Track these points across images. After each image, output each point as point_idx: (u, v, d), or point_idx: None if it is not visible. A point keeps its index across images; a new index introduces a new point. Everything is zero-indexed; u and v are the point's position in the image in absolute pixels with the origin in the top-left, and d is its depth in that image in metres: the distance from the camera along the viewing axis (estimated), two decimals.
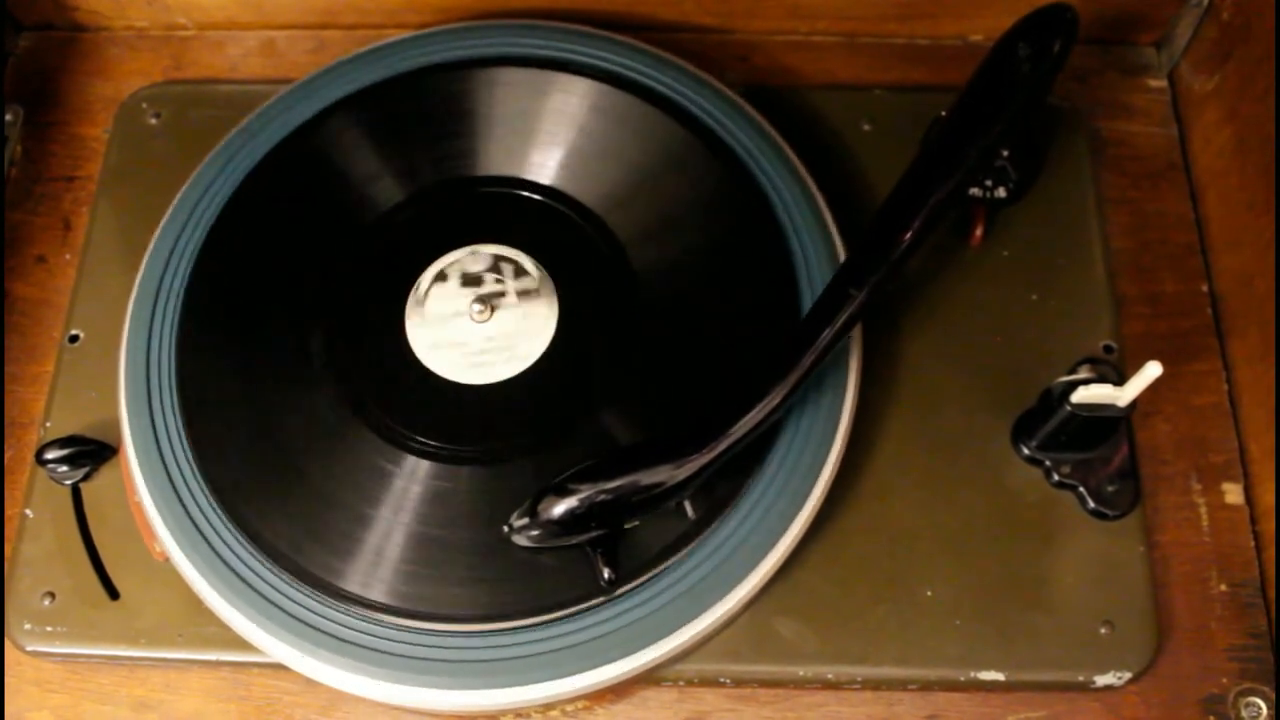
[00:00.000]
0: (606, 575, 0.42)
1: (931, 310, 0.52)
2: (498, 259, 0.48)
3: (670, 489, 0.42)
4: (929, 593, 0.46)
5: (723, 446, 0.42)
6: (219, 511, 0.45)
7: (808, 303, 0.47)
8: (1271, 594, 0.48)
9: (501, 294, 0.48)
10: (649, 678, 0.46)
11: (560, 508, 0.41)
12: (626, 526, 0.43)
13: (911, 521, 0.48)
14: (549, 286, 0.48)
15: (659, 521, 0.44)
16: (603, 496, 0.41)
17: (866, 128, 0.55)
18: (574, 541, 0.42)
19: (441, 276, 0.48)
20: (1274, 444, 0.48)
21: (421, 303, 0.48)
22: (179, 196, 0.52)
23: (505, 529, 0.43)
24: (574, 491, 0.41)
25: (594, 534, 0.42)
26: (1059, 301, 0.51)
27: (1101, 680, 0.45)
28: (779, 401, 0.42)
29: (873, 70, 0.59)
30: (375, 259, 0.50)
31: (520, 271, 0.48)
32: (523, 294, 0.48)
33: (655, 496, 0.42)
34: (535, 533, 0.42)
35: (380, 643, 0.43)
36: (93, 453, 0.49)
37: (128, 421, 0.47)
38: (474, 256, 0.49)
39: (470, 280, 0.48)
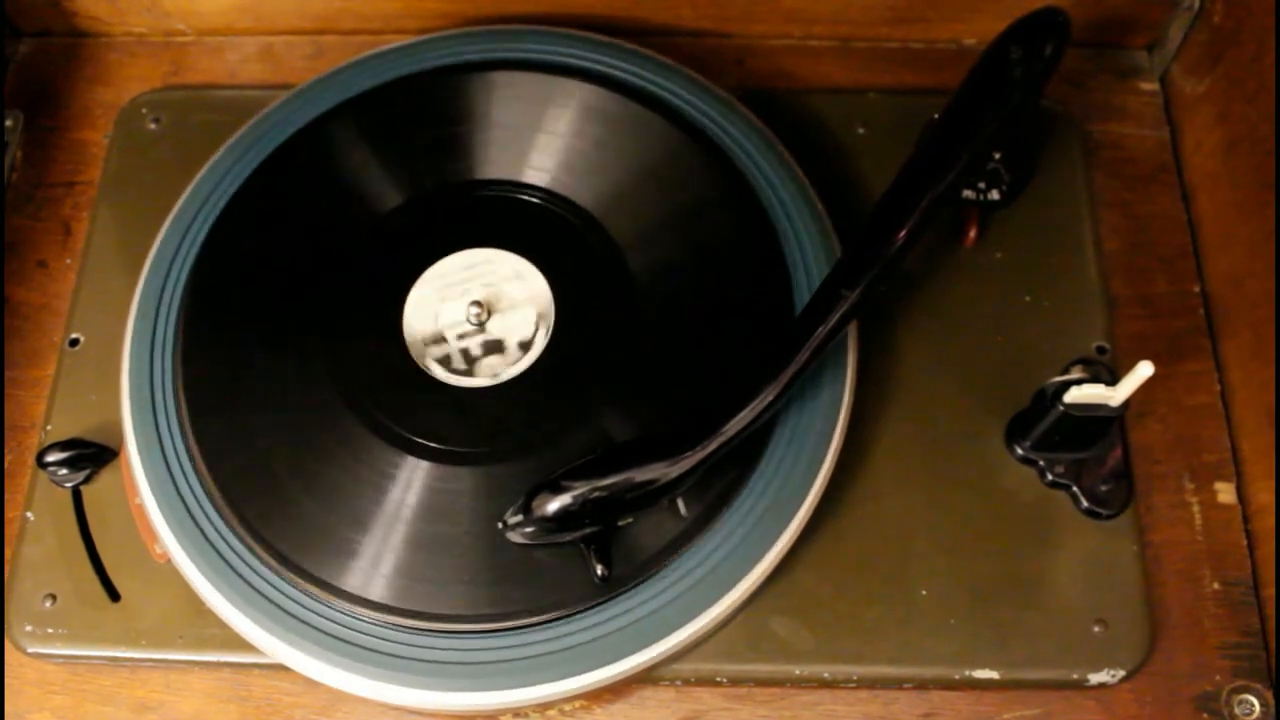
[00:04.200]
0: (600, 572, 0.43)
1: (926, 311, 0.52)
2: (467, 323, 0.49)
3: (664, 486, 0.42)
4: (924, 592, 0.47)
5: (716, 444, 0.42)
6: (220, 512, 0.45)
7: (803, 303, 0.48)
8: (1265, 592, 0.48)
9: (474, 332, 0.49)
10: (646, 677, 0.46)
11: (554, 505, 0.41)
12: (620, 524, 0.43)
13: (906, 521, 0.48)
14: (494, 323, 0.48)
15: (655, 522, 0.44)
16: (596, 494, 0.41)
17: (861, 130, 0.56)
18: (568, 539, 0.43)
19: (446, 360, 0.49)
20: (1268, 442, 0.48)
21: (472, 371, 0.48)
22: (181, 201, 0.52)
23: (499, 526, 0.43)
24: (567, 489, 0.41)
25: (587, 531, 0.43)
26: (1052, 302, 0.52)
27: (1095, 678, 0.46)
28: (772, 399, 0.42)
29: (867, 74, 0.59)
30: (375, 262, 0.50)
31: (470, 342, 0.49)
32: (490, 345, 0.49)
33: (649, 494, 0.42)
34: (529, 529, 0.42)
35: (380, 643, 0.43)
36: (93, 455, 0.49)
37: (131, 423, 0.47)
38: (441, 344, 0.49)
39: (456, 361, 0.49)
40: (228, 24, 0.60)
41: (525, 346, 0.48)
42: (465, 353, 0.48)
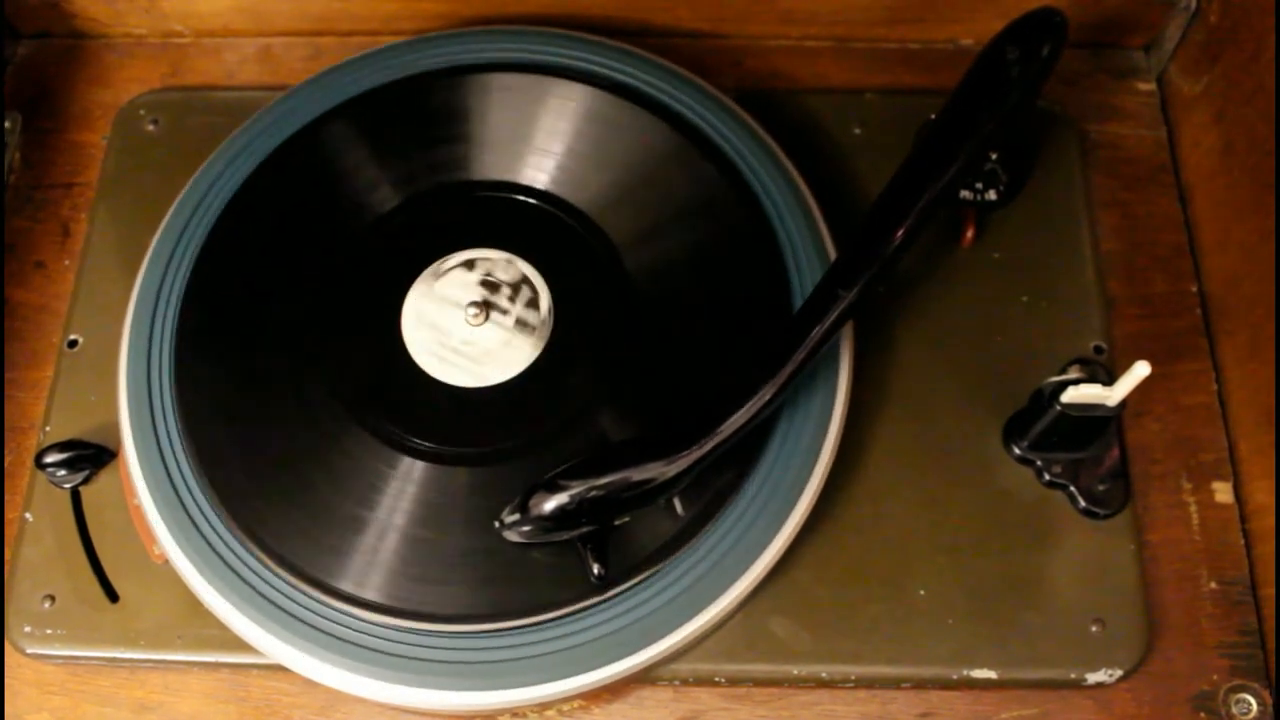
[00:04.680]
0: (596, 571, 0.43)
1: (923, 312, 0.52)
2: (524, 280, 0.49)
3: (660, 486, 0.42)
4: (922, 592, 0.47)
5: (713, 444, 0.42)
6: (218, 514, 0.45)
7: (799, 303, 0.48)
8: (1263, 592, 0.48)
9: (504, 312, 0.48)
10: (644, 677, 0.46)
11: (551, 503, 0.41)
12: (617, 523, 0.43)
13: (904, 521, 0.48)
14: (545, 329, 0.48)
15: (653, 522, 0.44)
16: (593, 493, 0.41)
17: (858, 131, 0.56)
18: (564, 538, 0.43)
19: (469, 264, 0.49)
20: (1265, 442, 0.48)
21: (438, 275, 0.48)
22: (177, 201, 0.52)
23: (496, 525, 0.43)
24: (564, 487, 0.41)
25: (584, 530, 0.43)
26: (1050, 303, 0.52)
27: (1093, 678, 0.46)
28: (768, 399, 0.42)
29: (864, 74, 0.59)
30: (371, 263, 0.50)
31: (533, 304, 0.48)
32: (520, 324, 0.48)
33: (645, 493, 0.42)
34: (526, 528, 0.42)
35: (377, 643, 0.43)
36: (92, 456, 0.49)
37: (128, 424, 0.47)
38: (508, 265, 0.49)
39: (490, 285, 0.49)
40: (225, 25, 0.60)
41: (521, 347, 0.48)
42: (460, 349, 0.48)
